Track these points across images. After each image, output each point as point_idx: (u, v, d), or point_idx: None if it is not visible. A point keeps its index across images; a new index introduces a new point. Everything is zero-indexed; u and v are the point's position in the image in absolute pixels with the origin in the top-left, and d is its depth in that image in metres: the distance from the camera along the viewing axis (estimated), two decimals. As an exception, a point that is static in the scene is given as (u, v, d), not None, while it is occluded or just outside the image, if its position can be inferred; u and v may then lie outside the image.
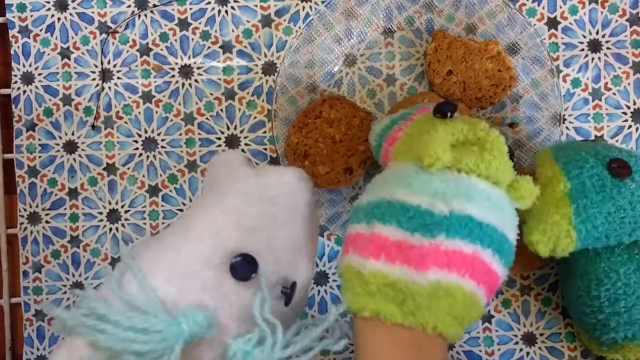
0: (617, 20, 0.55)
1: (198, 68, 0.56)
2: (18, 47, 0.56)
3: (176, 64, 0.56)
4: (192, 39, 0.56)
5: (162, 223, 0.56)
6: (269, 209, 0.37)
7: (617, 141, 0.55)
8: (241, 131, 0.56)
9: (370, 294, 0.36)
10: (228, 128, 0.56)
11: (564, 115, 0.55)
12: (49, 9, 0.56)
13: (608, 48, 0.55)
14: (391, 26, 0.55)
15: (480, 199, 0.37)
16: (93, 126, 0.56)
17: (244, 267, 0.34)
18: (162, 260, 0.34)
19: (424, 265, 0.35)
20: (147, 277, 0.33)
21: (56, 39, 0.56)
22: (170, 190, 0.56)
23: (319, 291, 0.56)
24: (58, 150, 0.56)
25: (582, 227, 0.44)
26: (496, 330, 0.55)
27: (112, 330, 0.31)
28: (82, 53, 0.56)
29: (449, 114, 0.40)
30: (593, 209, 0.44)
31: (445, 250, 0.35)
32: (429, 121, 0.40)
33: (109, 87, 0.56)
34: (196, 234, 0.35)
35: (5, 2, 0.56)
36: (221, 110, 0.56)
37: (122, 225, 0.56)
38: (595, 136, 0.55)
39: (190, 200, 0.56)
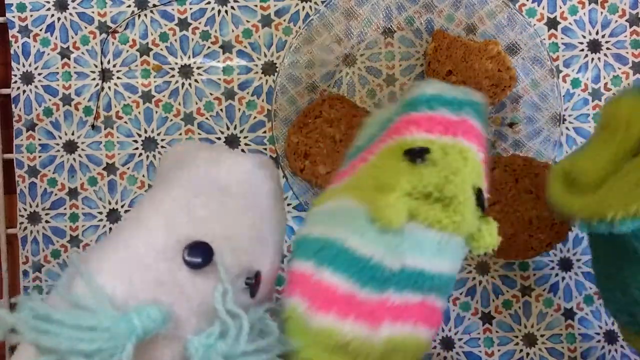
0: (616, 21, 0.55)
1: (198, 68, 0.56)
2: (18, 47, 0.56)
3: (176, 64, 0.56)
4: (192, 39, 0.56)
5: (162, 223, 0.56)
6: (221, 198, 0.35)
7: (617, 141, 0.55)
8: (241, 131, 0.56)
9: (319, 346, 0.34)
10: (228, 128, 0.56)
11: (563, 115, 0.55)
12: (49, 9, 0.56)
13: (608, 48, 0.55)
14: (391, 26, 0.55)
15: (434, 249, 0.35)
16: (93, 126, 0.56)
17: (197, 254, 0.32)
18: (110, 257, 0.32)
19: (376, 320, 0.34)
20: (94, 275, 0.31)
21: (56, 38, 0.56)
22: (170, 190, 0.56)
23: (318, 291, 0.55)
24: (58, 150, 0.56)
25: None
26: (497, 331, 0.55)
27: (55, 330, 0.29)
28: (82, 53, 0.56)
29: (418, 160, 0.35)
30: None
31: (393, 305, 0.34)
32: (394, 163, 0.36)
33: (109, 87, 0.56)
34: (145, 226, 0.33)
35: (5, 2, 0.56)
36: (221, 110, 0.56)
37: (122, 225, 0.56)
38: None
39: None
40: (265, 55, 0.56)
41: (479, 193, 0.36)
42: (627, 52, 0.55)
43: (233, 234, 0.34)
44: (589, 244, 0.43)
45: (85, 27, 0.56)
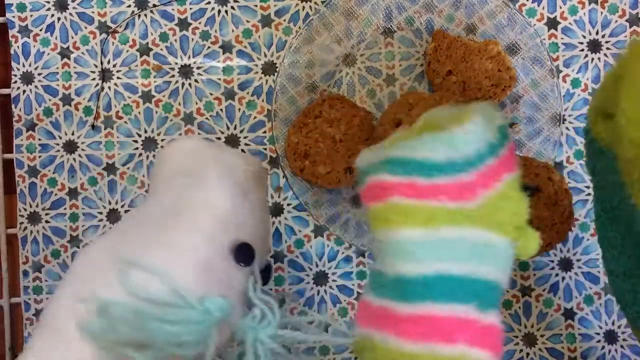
0: (616, 21, 0.55)
1: (198, 68, 0.56)
2: (18, 47, 0.56)
3: (176, 64, 0.56)
4: (192, 39, 0.56)
5: (162, 223, 0.56)
6: (247, 203, 0.39)
7: (617, 141, 0.55)
8: (241, 131, 0.56)
9: None
10: (228, 128, 0.56)
11: (563, 115, 0.55)
12: (49, 9, 0.56)
13: (608, 48, 0.55)
14: (391, 26, 0.55)
15: None
16: (93, 126, 0.56)
17: (246, 255, 0.38)
18: (176, 257, 0.35)
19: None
20: (167, 274, 0.34)
21: (56, 38, 0.56)
22: (170, 190, 0.56)
23: (318, 291, 0.55)
24: (58, 150, 0.56)
25: None
26: (496, 331, 0.55)
27: (153, 326, 0.33)
28: (82, 53, 0.56)
29: (532, 194, 0.39)
30: None
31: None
32: (520, 198, 0.36)
33: (109, 87, 0.56)
34: (204, 231, 0.37)
35: (5, 2, 0.56)
36: (221, 110, 0.56)
37: (122, 225, 0.56)
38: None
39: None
40: (265, 55, 0.56)
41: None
42: (627, 52, 0.55)
43: (257, 233, 0.40)
44: (602, 239, 0.41)
45: (85, 27, 0.56)
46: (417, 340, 0.33)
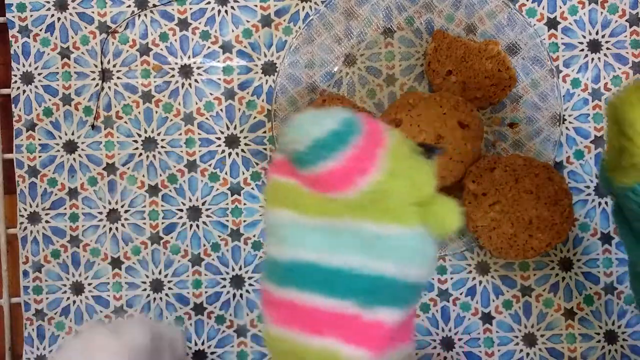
0: (616, 21, 0.55)
1: (198, 68, 0.56)
2: (18, 47, 0.56)
3: (176, 63, 0.56)
4: (192, 39, 0.56)
5: (162, 223, 0.56)
6: None
7: (617, 141, 0.55)
8: (241, 131, 0.56)
9: None
10: (228, 128, 0.56)
11: (563, 115, 0.55)
12: (49, 9, 0.56)
13: (608, 48, 0.55)
14: (391, 26, 0.55)
15: None
16: (93, 126, 0.56)
17: None
18: None
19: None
20: None
21: (56, 38, 0.56)
22: (170, 190, 0.56)
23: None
24: (58, 150, 0.56)
25: None
26: (497, 331, 0.55)
27: None
28: (82, 53, 0.56)
29: (431, 155, 0.33)
30: None
31: None
32: (413, 164, 0.32)
33: (109, 87, 0.56)
34: None
35: (5, 2, 0.56)
36: (221, 110, 0.56)
37: (122, 225, 0.56)
38: (595, 136, 0.55)
39: (190, 200, 0.56)
40: (265, 55, 0.56)
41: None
42: (627, 52, 0.55)
43: None
44: (630, 247, 0.40)
45: (85, 27, 0.56)
46: (281, 325, 0.32)
